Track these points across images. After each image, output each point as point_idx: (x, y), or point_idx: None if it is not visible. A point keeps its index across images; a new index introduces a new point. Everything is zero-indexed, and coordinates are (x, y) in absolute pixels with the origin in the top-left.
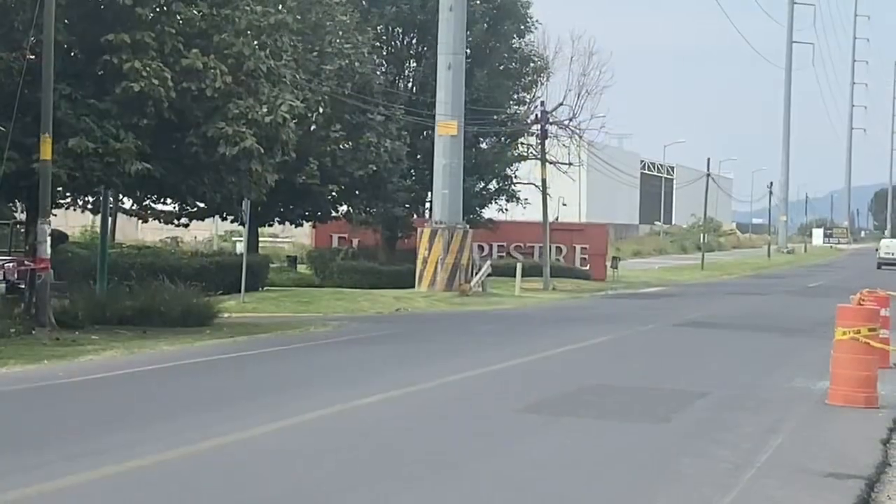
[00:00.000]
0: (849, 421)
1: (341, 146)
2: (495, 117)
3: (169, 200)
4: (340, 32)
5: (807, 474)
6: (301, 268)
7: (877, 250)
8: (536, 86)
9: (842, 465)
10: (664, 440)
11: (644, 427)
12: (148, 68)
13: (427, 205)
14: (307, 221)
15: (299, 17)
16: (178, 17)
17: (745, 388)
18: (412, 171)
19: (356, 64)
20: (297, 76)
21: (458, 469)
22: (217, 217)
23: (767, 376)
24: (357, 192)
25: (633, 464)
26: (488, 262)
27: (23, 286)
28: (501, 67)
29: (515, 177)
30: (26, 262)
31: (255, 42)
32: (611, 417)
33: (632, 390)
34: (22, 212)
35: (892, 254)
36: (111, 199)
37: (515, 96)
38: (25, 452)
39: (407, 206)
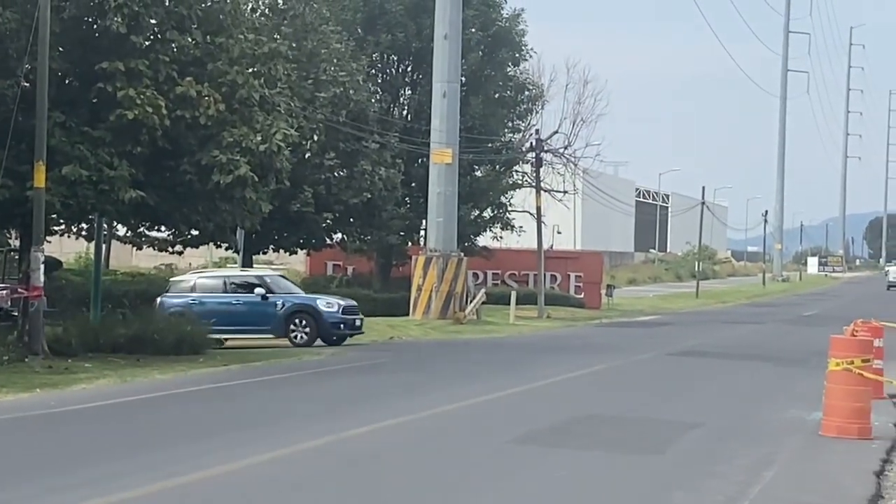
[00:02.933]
0: (842, 452)
1: (336, 174)
2: (490, 145)
3: (163, 228)
4: (335, 60)
5: None
6: None
7: (886, 274)
8: (531, 114)
9: (835, 498)
10: (658, 472)
11: (637, 458)
12: (142, 96)
13: (422, 232)
14: (302, 249)
15: (294, 46)
16: (173, 45)
17: (739, 419)
18: (407, 198)
19: (351, 92)
20: (292, 104)
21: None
22: (212, 244)
23: (761, 407)
24: (351, 220)
25: (626, 497)
26: (483, 290)
27: (16, 314)
28: (496, 95)
29: (510, 205)
30: (20, 290)
31: (250, 70)
32: (604, 449)
33: (625, 421)
34: (16, 239)
35: None
36: (105, 226)
37: (510, 124)
38: (10, 484)
39: (401, 233)
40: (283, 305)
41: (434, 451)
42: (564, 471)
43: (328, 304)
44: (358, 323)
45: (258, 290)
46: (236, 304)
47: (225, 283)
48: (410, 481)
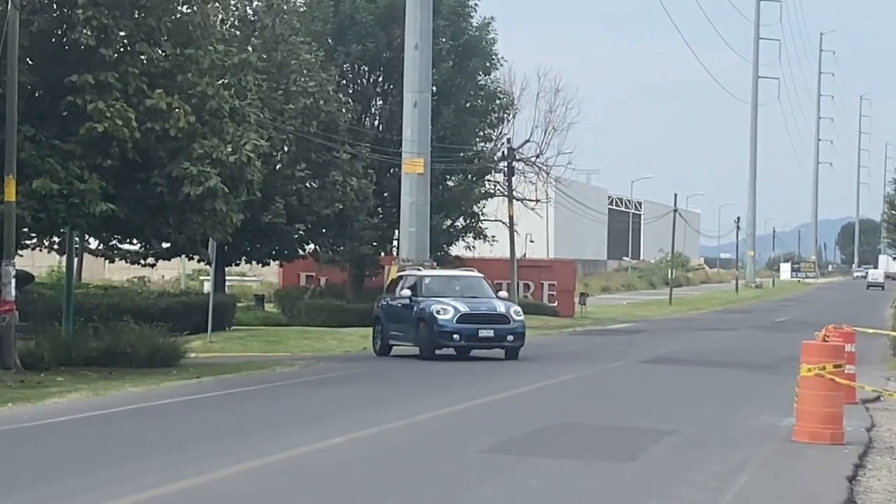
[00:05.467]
0: (815, 458)
1: (307, 185)
2: (462, 155)
3: (135, 240)
4: (305, 71)
5: None
6: (269, 307)
7: (865, 277)
8: (503, 123)
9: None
10: (631, 480)
11: (611, 466)
12: (112, 109)
13: (394, 242)
14: (274, 260)
15: (264, 57)
16: (142, 57)
17: (712, 426)
18: (379, 209)
19: (321, 102)
20: (262, 115)
21: None
22: (184, 256)
23: (734, 413)
24: (324, 231)
25: None
26: None
27: None
28: (468, 105)
29: (482, 214)
30: None
31: (220, 81)
32: (577, 457)
33: (599, 429)
34: None
35: (877, 279)
36: (77, 239)
37: (482, 133)
38: None
39: (374, 244)
40: (417, 310)
41: (406, 462)
42: (537, 479)
43: (443, 310)
44: (486, 334)
45: (403, 293)
46: (395, 309)
47: (402, 282)
48: (382, 492)
